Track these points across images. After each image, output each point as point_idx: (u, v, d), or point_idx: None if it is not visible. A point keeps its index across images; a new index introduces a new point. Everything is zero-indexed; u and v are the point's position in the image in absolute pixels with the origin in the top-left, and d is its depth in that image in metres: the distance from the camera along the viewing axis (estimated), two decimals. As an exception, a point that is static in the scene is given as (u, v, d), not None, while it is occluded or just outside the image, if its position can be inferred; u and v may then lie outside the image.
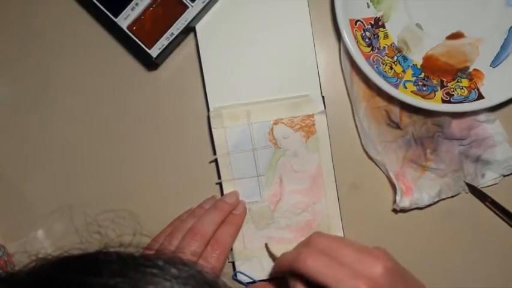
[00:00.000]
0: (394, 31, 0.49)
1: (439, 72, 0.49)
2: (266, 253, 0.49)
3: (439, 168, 0.49)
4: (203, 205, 0.49)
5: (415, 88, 0.48)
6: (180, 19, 0.47)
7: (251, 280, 0.49)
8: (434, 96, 0.47)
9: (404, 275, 0.38)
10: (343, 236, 0.49)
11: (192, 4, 0.47)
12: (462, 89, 0.48)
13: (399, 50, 0.49)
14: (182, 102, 0.51)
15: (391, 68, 0.48)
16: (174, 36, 0.47)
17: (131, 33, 0.47)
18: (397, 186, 0.49)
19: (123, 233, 0.37)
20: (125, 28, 0.47)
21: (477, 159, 0.50)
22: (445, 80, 0.49)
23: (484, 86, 0.48)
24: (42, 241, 0.51)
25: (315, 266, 0.36)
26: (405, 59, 0.49)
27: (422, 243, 0.51)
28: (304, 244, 0.40)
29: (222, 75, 0.49)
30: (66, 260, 0.26)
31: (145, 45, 0.47)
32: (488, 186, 0.50)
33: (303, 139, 0.49)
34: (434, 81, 0.48)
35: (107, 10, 0.47)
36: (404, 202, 0.49)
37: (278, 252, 0.47)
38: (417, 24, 0.49)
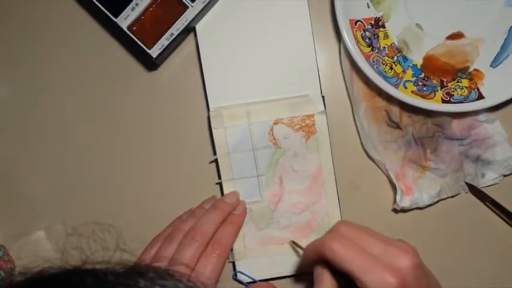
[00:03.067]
0: (394, 31, 0.49)
1: (439, 72, 0.49)
2: (266, 253, 0.49)
3: (439, 168, 0.49)
4: (203, 205, 0.49)
5: (415, 88, 0.48)
6: (180, 19, 0.47)
7: (251, 280, 0.49)
8: (434, 96, 0.47)
9: (426, 272, 0.37)
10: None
11: (192, 4, 0.47)
12: (462, 89, 0.48)
13: (399, 50, 0.49)
14: (182, 102, 0.51)
15: (391, 68, 0.48)
16: (174, 36, 0.47)
17: (131, 33, 0.47)
18: (397, 186, 0.49)
19: (103, 247, 0.37)
20: (125, 28, 0.47)
21: (477, 159, 0.50)
22: (445, 80, 0.49)
23: (484, 86, 0.48)
24: (43, 241, 0.51)
25: (342, 252, 0.35)
26: (405, 59, 0.49)
27: (422, 243, 0.50)
28: (330, 232, 0.39)
29: (222, 75, 0.49)
30: (38, 281, 0.25)
31: (146, 46, 0.47)
32: (488, 186, 0.50)
33: (303, 139, 0.49)
34: (434, 81, 0.48)
35: (107, 10, 0.47)
36: (404, 202, 0.49)
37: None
38: (417, 24, 0.49)
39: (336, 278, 0.38)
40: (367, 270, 0.34)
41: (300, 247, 0.48)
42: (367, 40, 0.48)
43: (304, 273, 0.50)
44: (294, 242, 0.48)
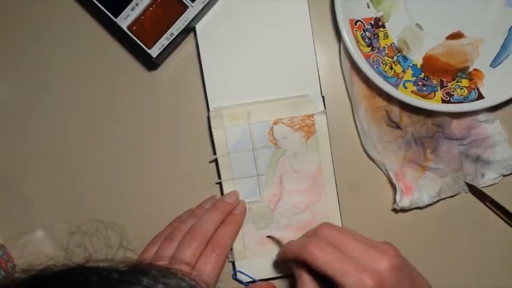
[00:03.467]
0: (394, 31, 0.49)
1: (439, 72, 0.49)
2: (266, 252, 0.49)
3: (439, 168, 0.49)
4: (203, 205, 0.49)
5: (415, 88, 0.48)
6: (180, 19, 0.47)
7: (251, 279, 0.49)
8: (434, 96, 0.47)
9: (410, 273, 0.38)
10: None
11: (192, 4, 0.47)
12: (462, 89, 0.48)
13: (399, 50, 0.49)
14: (182, 102, 0.51)
15: (391, 68, 0.48)
16: (174, 36, 0.47)
17: (131, 33, 0.47)
18: (397, 186, 0.49)
19: (107, 245, 0.37)
20: (125, 28, 0.47)
21: (477, 159, 0.50)
22: (445, 80, 0.49)
23: (484, 86, 0.48)
24: (43, 241, 0.51)
25: (321, 256, 0.36)
26: (405, 59, 0.49)
27: (422, 243, 0.51)
28: (311, 234, 0.40)
29: (222, 75, 0.49)
30: (42, 278, 0.25)
31: (146, 45, 0.47)
32: (488, 186, 0.50)
33: (303, 139, 0.49)
34: (434, 81, 0.49)
35: (107, 10, 0.47)
36: (404, 202, 0.49)
37: (284, 240, 0.47)
38: (417, 24, 0.49)
39: (316, 279, 0.39)
40: (345, 273, 0.35)
41: (279, 242, 0.48)
42: (367, 40, 0.48)
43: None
44: (271, 237, 0.49)
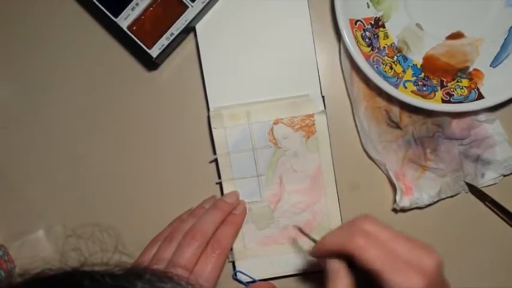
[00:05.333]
0: (394, 31, 0.49)
1: (439, 72, 0.49)
2: (266, 252, 0.49)
3: (439, 168, 0.49)
4: (203, 205, 0.49)
5: (415, 88, 0.48)
6: (180, 19, 0.47)
7: (251, 279, 0.49)
8: (434, 96, 0.47)
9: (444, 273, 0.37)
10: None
11: (192, 4, 0.47)
12: (462, 89, 0.48)
13: (399, 50, 0.49)
14: (182, 102, 0.51)
15: (391, 68, 0.48)
16: (174, 36, 0.47)
17: (131, 33, 0.47)
18: (397, 186, 0.49)
19: (103, 249, 0.37)
20: (125, 28, 0.47)
21: (477, 159, 0.50)
22: (445, 80, 0.49)
23: (484, 86, 0.48)
24: (43, 241, 0.51)
25: (371, 251, 0.34)
26: (405, 59, 0.49)
27: (422, 243, 0.51)
28: (352, 226, 0.37)
29: (222, 75, 0.49)
30: (36, 283, 0.25)
31: (146, 45, 0.47)
32: (488, 186, 0.50)
33: (303, 139, 0.49)
34: (434, 81, 0.49)
35: (107, 10, 0.47)
36: (404, 202, 0.49)
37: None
38: (417, 24, 0.49)
39: (352, 274, 0.37)
40: (395, 270, 0.34)
41: (309, 236, 0.44)
42: (367, 40, 0.48)
43: (304, 273, 0.50)
44: (300, 230, 0.45)
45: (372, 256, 0.34)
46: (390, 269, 0.34)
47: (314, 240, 0.42)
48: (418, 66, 0.49)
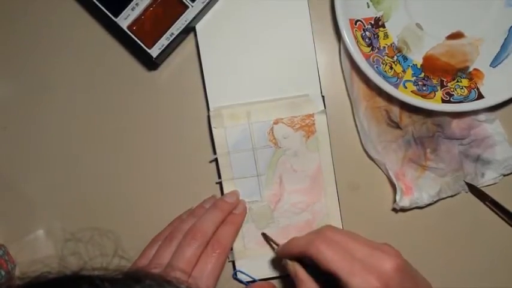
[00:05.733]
0: (394, 31, 0.49)
1: (439, 72, 0.49)
2: (266, 252, 0.49)
3: (439, 167, 0.49)
4: (203, 205, 0.49)
5: (415, 88, 0.48)
6: (180, 19, 0.47)
7: (251, 279, 0.49)
8: (434, 96, 0.47)
9: (411, 273, 0.38)
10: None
11: (192, 4, 0.47)
12: (462, 88, 0.48)
13: (399, 50, 0.49)
14: (182, 102, 0.51)
15: (391, 68, 0.48)
16: (174, 36, 0.47)
17: (131, 33, 0.47)
18: (397, 186, 0.49)
19: (102, 253, 0.37)
20: (125, 28, 0.47)
21: (477, 159, 0.50)
22: (445, 79, 0.49)
23: (483, 86, 0.48)
24: (43, 241, 0.51)
25: (330, 254, 0.37)
26: (405, 58, 0.49)
27: (422, 243, 0.51)
28: (316, 233, 0.40)
29: (222, 75, 0.49)
30: (35, 286, 0.25)
31: (146, 45, 0.47)
32: (488, 185, 0.50)
33: (303, 139, 0.49)
34: (434, 81, 0.49)
35: (107, 10, 0.47)
36: (404, 201, 0.49)
37: (280, 240, 0.47)
38: (417, 24, 0.49)
39: (314, 277, 0.39)
40: (352, 273, 0.35)
41: (273, 241, 0.48)
42: (367, 40, 0.48)
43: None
44: (265, 235, 0.49)
45: (330, 258, 0.36)
46: (348, 272, 0.36)
47: (278, 246, 0.47)
48: (418, 66, 0.49)
